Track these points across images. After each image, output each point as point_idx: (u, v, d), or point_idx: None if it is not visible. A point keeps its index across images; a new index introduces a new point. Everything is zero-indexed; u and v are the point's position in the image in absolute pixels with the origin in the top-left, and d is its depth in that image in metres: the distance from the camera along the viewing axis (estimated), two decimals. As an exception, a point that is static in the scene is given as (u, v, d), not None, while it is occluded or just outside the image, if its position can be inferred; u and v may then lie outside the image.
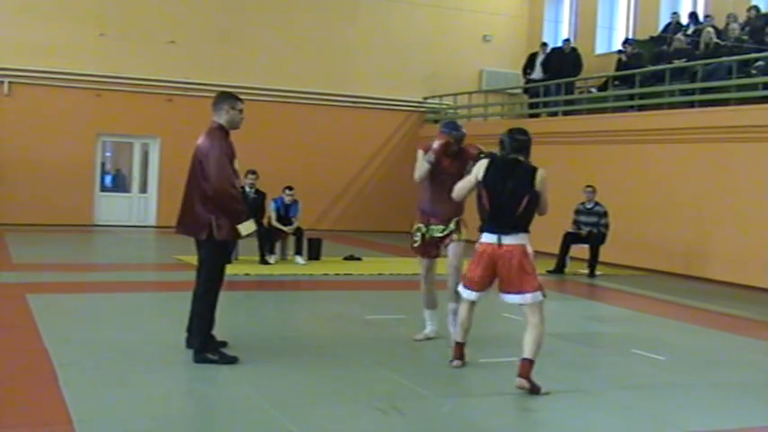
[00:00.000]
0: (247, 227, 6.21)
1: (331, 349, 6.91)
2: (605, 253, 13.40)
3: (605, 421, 5.34)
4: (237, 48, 19.32)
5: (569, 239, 13.39)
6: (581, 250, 13.38)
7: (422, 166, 7.13)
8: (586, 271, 13.15)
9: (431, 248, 7.28)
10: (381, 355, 6.78)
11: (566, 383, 6.27)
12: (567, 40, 19.53)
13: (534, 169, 5.94)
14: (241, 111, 6.40)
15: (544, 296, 5.87)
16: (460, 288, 6.28)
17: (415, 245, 7.30)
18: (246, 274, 11.28)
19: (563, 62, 18.74)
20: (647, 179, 14.57)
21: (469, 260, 6.28)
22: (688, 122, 13.85)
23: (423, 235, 7.23)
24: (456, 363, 6.35)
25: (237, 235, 6.22)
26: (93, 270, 11.94)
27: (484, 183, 5.98)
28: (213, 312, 6.33)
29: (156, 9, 18.86)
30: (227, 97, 6.45)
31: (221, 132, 6.28)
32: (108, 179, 19.52)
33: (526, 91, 19.60)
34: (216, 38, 19.28)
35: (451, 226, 7.12)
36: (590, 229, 13.25)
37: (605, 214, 13.26)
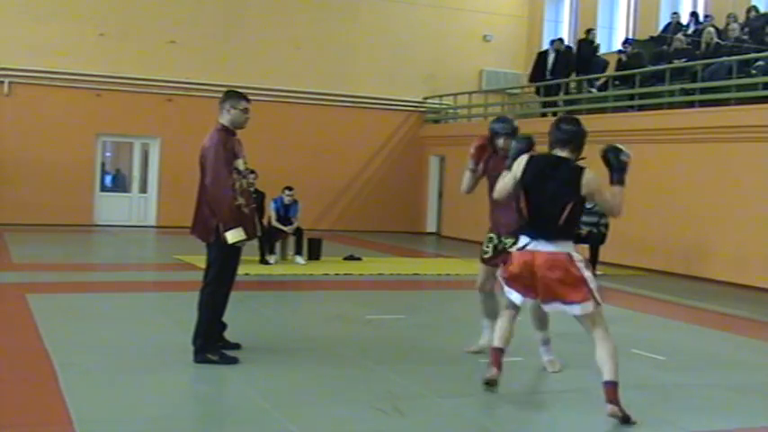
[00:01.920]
0: (234, 235, 6.01)
1: (331, 349, 6.91)
2: (605, 253, 13.40)
3: (605, 421, 5.34)
4: (237, 48, 19.33)
5: (569, 239, 13.36)
6: (581, 250, 13.35)
7: (465, 174, 6.59)
8: (586, 271, 13.13)
9: (498, 259, 6.45)
10: (381, 355, 6.77)
11: (566, 383, 6.27)
12: (560, 40, 19.55)
13: (581, 170, 5.16)
14: (245, 110, 6.28)
15: (598, 304, 5.24)
16: (503, 284, 5.50)
17: (486, 255, 6.70)
18: (246, 274, 11.27)
19: (569, 61, 18.80)
20: (647, 179, 14.56)
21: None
22: (688, 122, 13.85)
23: (495, 246, 6.61)
24: (493, 372, 5.39)
25: (225, 241, 6.03)
26: (93, 270, 11.95)
27: (522, 183, 5.26)
28: (219, 314, 6.31)
29: (156, 9, 18.87)
30: (229, 96, 6.37)
31: (222, 134, 6.19)
32: (108, 179, 19.53)
33: (538, 91, 19.43)
34: (216, 38, 19.29)
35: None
36: (590, 229, 13.24)
37: (605, 214, 13.24)
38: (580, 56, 18.52)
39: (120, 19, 18.57)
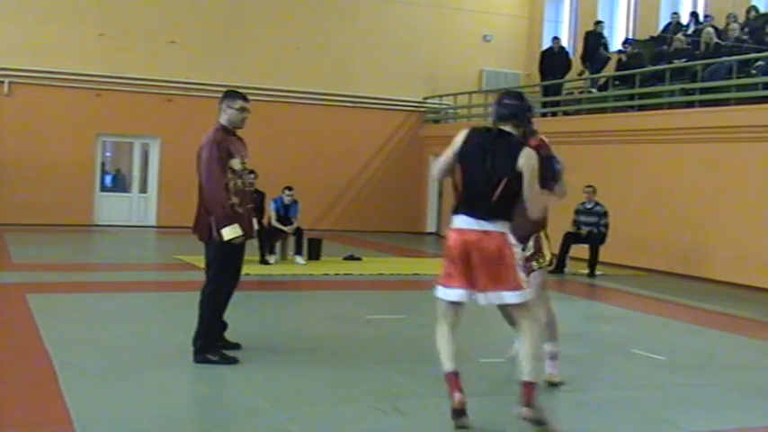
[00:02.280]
0: (228, 232, 5.99)
1: (331, 349, 6.91)
2: (605, 253, 13.40)
3: (605, 421, 5.34)
4: (237, 48, 19.33)
5: (569, 239, 13.39)
6: (581, 250, 13.38)
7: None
8: (586, 271, 13.15)
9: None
10: (381, 355, 6.77)
11: (565, 383, 6.27)
12: (555, 38, 19.58)
13: (521, 145, 4.82)
14: (241, 109, 6.25)
15: (527, 298, 4.87)
16: (437, 288, 4.96)
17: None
18: (246, 274, 11.17)
19: (553, 61, 18.85)
20: (648, 179, 14.58)
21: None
22: (688, 122, 13.86)
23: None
24: (459, 397, 4.85)
25: (221, 239, 6.02)
26: (93, 270, 11.95)
27: (459, 156, 4.88)
28: (219, 314, 6.30)
29: (156, 9, 18.87)
30: (227, 96, 6.37)
31: (219, 133, 6.18)
32: (108, 179, 19.53)
33: (545, 91, 19.40)
34: (216, 38, 19.29)
35: (530, 247, 5.92)
36: (590, 229, 13.25)
37: (605, 214, 13.26)
38: (585, 48, 18.39)
39: (120, 19, 18.58)
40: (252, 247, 12.20)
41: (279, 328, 7.96)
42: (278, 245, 13.00)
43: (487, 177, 4.76)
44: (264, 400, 5.24)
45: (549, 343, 6.06)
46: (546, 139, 5.77)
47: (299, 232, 13.02)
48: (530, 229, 5.82)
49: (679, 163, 14.03)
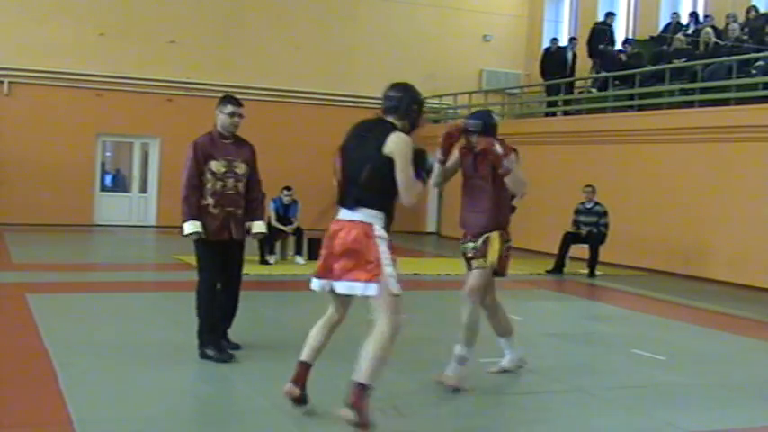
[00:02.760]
0: (187, 227, 6.22)
1: (331, 349, 6.88)
2: (605, 253, 13.40)
3: (605, 421, 5.34)
4: (237, 48, 19.33)
5: (569, 239, 13.39)
6: (581, 250, 13.38)
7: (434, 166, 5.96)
8: (586, 271, 13.15)
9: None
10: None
11: (565, 383, 6.27)
12: (554, 39, 19.58)
13: (391, 131, 4.65)
14: (231, 114, 6.35)
15: (386, 293, 4.54)
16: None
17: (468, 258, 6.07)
18: (246, 274, 11.22)
19: (552, 61, 18.85)
20: (647, 179, 14.58)
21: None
22: (688, 122, 13.86)
23: (464, 253, 6.08)
24: (288, 387, 4.91)
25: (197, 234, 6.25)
26: (93, 270, 11.95)
27: (340, 147, 4.84)
28: (206, 310, 6.36)
29: (156, 9, 18.87)
30: (219, 101, 6.51)
31: (204, 136, 6.40)
32: (108, 179, 19.53)
33: (548, 90, 19.36)
34: (216, 38, 19.30)
35: (478, 245, 5.89)
36: (590, 229, 13.25)
37: (605, 214, 13.26)
38: (591, 42, 18.22)
39: (120, 19, 18.58)
40: (251, 247, 12.23)
41: (279, 328, 7.96)
42: (278, 245, 13.00)
43: (356, 165, 4.64)
44: (265, 399, 5.24)
45: (462, 346, 5.80)
46: (496, 146, 5.68)
47: (299, 232, 13.01)
48: (482, 227, 5.86)
49: (679, 163, 14.03)
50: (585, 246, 13.26)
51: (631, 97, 16.10)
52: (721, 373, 6.95)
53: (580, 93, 18.57)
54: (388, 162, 4.54)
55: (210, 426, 4.87)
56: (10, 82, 17.71)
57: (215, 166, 6.28)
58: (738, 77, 13.70)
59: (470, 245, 5.93)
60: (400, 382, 5.93)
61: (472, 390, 5.89)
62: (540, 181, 17.05)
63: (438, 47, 21.33)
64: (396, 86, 4.87)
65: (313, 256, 13.21)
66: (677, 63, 15.35)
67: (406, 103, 4.77)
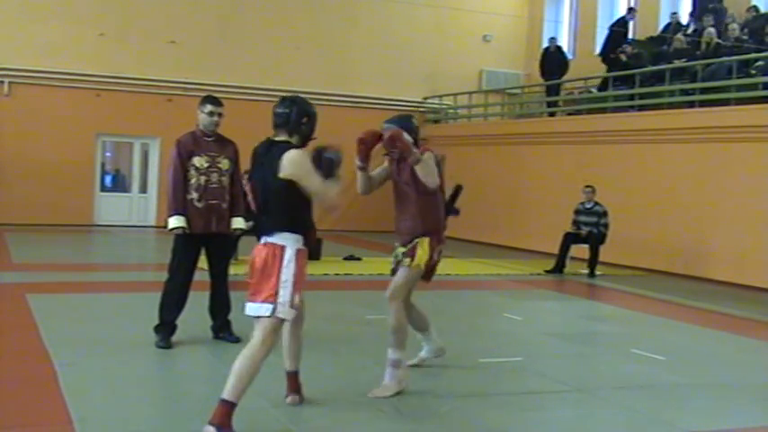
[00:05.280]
0: (172, 222, 6.60)
1: (331, 349, 6.91)
2: (605, 253, 13.40)
3: (605, 421, 5.34)
4: (237, 48, 19.32)
5: (569, 239, 13.39)
6: (581, 250, 13.39)
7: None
8: (586, 271, 13.15)
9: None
10: (381, 356, 6.76)
11: (565, 383, 6.28)
12: (552, 39, 19.58)
13: (283, 152, 4.55)
14: (210, 113, 6.65)
15: (274, 314, 4.48)
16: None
17: (392, 267, 6.01)
18: (246, 274, 11.27)
19: (550, 62, 18.84)
20: (647, 179, 14.58)
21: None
22: (688, 122, 13.86)
23: (396, 256, 5.96)
24: (290, 399, 5.14)
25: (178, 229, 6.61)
26: (93, 270, 11.95)
27: (250, 173, 4.82)
28: (169, 301, 6.66)
29: (156, 9, 18.86)
30: (200, 100, 6.80)
31: (186, 135, 6.73)
32: (108, 179, 19.52)
33: (548, 90, 19.29)
34: (215, 38, 19.28)
35: (408, 247, 5.78)
36: (590, 229, 13.25)
37: (605, 214, 13.26)
38: (606, 46, 17.95)
39: (119, 19, 18.57)
40: (252, 246, 12.24)
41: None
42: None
43: (261, 194, 4.64)
44: (265, 399, 5.24)
45: (394, 350, 5.65)
46: (404, 135, 5.58)
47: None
48: (410, 233, 5.74)
49: (679, 163, 14.03)
50: (585, 246, 13.26)
51: (631, 97, 16.10)
52: (721, 373, 6.96)
53: (580, 93, 18.56)
54: (289, 183, 4.50)
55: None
56: (10, 82, 17.69)
57: (198, 161, 6.62)
58: (738, 77, 13.70)
59: (400, 250, 5.82)
60: (400, 382, 5.94)
61: (472, 390, 5.90)
62: (540, 181, 17.09)
63: (438, 47, 21.32)
64: (283, 101, 4.73)
65: (313, 255, 13.19)
66: (677, 63, 15.36)
67: (294, 117, 4.66)
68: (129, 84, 18.42)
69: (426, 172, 5.64)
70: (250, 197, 4.87)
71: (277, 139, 4.67)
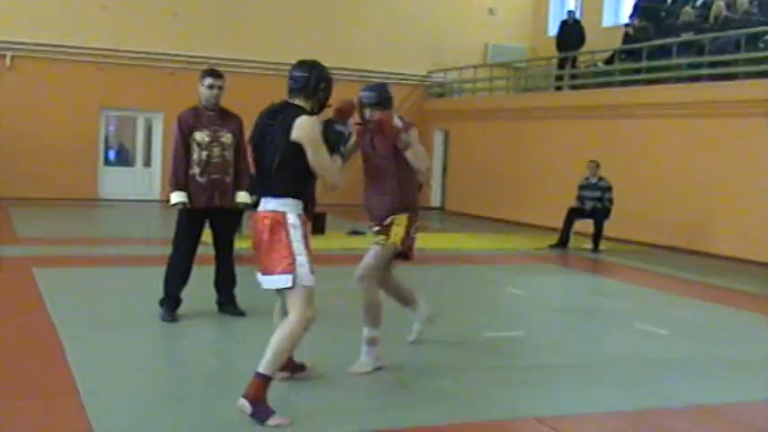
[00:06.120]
0: (173, 197, 6.66)
1: (335, 323, 6.92)
2: (609, 228, 13.39)
3: (608, 395, 5.37)
4: (240, 21, 19.21)
5: (573, 214, 13.38)
6: (585, 225, 13.38)
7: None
8: (590, 246, 13.15)
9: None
10: (385, 329, 6.79)
11: (568, 357, 6.30)
12: (571, 12, 19.40)
13: (297, 115, 4.47)
14: (210, 86, 6.62)
15: (298, 284, 4.36)
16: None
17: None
18: (249, 249, 11.29)
19: (567, 35, 18.63)
20: (653, 153, 14.53)
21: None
22: (695, 96, 13.78)
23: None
24: (281, 375, 4.93)
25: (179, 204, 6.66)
26: (99, 244, 11.97)
27: (251, 136, 4.72)
28: (173, 274, 6.67)
29: (158, -18, 18.75)
30: (200, 74, 6.78)
31: (187, 111, 6.74)
32: (112, 153, 19.51)
33: (562, 64, 19.10)
34: (219, 11, 19.17)
35: (385, 224, 5.53)
36: (594, 204, 13.24)
37: (609, 189, 13.23)
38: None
39: (122, -9, 18.48)
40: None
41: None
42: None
43: (267, 154, 4.49)
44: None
45: (369, 328, 5.47)
46: (394, 119, 5.38)
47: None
48: (387, 210, 5.48)
49: (685, 137, 13.98)
50: (590, 221, 13.25)
51: (638, 71, 15.99)
52: (724, 347, 6.97)
53: (586, 67, 18.46)
54: (297, 148, 4.39)
55: (214, 397, 4.89)
56: (12, 55, 17.64)
57: (199, 136, 6.60)
58: (747, 51, 13.61)
59: (376, 228, 5.58)
60: (405, 356, 5.97)
61: (475, 364, 5.92)
62: (545, 155, 17.05)
63: (443, 20, 21.19)
64: (302, 65, 4.63)
65: (317, 230, 13.24)
66: (685, 37, 15.24)
67: (313, 83, 4.56)
68: (132, 57, 18.35)
69: (417, 156, 5.45)
70: (251, 158, 4.76)
71: (291, 101, 4.57)
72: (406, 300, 6.10)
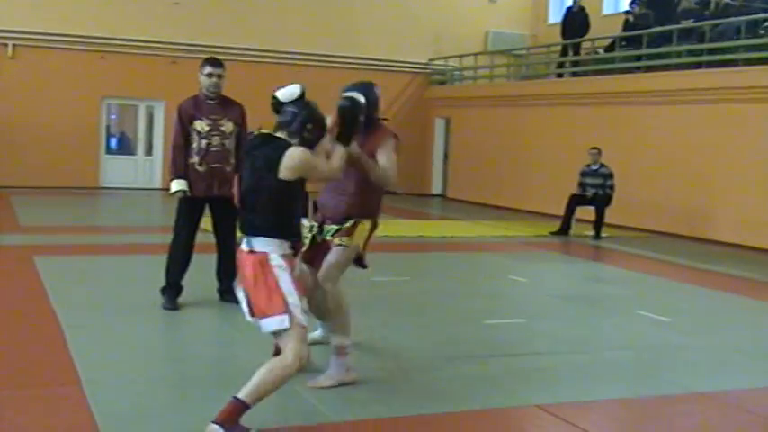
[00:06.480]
0: (173, 186, 6.68)
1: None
2: (610, 214, 13.40)
3: (609, 382, 5.38)
4: (241, 9, 19.17)
5: (575, 201, 13.39)
6: (586, 212, 13.38)
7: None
8: (591, 233, 13.16)
9: (320, 255, 5.19)
10: (387, 317, 6.81)
11: (570, 344, 6.31)
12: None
13: (282, 150, 4.17)
14: (209, 75, 6.59)
15: (294, 324, 4.08)
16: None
17: (303, 249, 5.08)
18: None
19: (572, 22, 18.56)
20: (654, 140, 14.53)
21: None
22: (695, 83, 13.76)
23: (314, 236, 5.24)
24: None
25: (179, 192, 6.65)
26: (100, 232, 11.99)
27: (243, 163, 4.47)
28: (173, 263, 6.69)
29: (159, -30, 18.71)
30: (201, 63, 6.74)
31: (188, 100, 6.69)
32: (113, 142, 19.51)
33: (564, 51, 18.99)
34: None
35: (346, 226, 5.11)
36: (595, 191, 13.24)
37: (611, 176, 13.23)
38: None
39: (123, -20, 18.43)
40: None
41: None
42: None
43: (249, 191, 4.27)
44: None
45: (337, 336, 5.05)
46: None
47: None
48: (345, 213, 5.10)
49: (685, 124, 13.97)
50: (591, 208, 13.25)
51: (638, 58, 15.97)
52: (726, 334, 6.98)
53: (587, 54, 18.42)
54: (286, 186, 4.17)
55: (218, 388, 4.91)
56: (14, 44, 17.62)
57: (199, 125, 6.59)
58: (747, 38, 13.58)
59: (333, 227, 5.13)
60: (407, 344, 5.98)
61: (477, 351, 5.94)
62: (546, 142, 17.03)
63: (444, 8, 21.14)
64: (295, 102, 4.38)
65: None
66: (685, 24, 15.20)
67: (299, 122, 4.26)
68: (134, 46, 18.33)
69: (384, 178, 5.05)
70: (235, 190, 4.59)
71: (277, 135, 4.29)
72: (324, 313, 5.39)
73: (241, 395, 4.00)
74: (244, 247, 4.23)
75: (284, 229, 4.23)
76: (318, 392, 4.74)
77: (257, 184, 4.22)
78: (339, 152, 4.58)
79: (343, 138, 4.65)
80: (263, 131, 4.34)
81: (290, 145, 4.19)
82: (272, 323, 4.11)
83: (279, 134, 4.28)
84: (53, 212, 13.95)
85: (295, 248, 4.33)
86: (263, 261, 4.13)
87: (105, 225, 13.24)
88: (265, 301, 4.11)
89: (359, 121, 4.77)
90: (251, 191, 4.25)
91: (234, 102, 6.76)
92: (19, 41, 17.64)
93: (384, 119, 5.25)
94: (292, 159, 4.13)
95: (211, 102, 6.63)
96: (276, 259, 4.13)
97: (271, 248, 4.15)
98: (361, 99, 4.94)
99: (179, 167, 6.68)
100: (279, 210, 4.21)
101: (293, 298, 4.12)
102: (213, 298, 6.95)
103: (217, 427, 3.92)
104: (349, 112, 4.70)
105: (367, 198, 5.14)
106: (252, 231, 4.20)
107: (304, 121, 4.27)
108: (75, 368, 4.96)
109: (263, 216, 4.18)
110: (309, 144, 4.29)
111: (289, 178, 4.15)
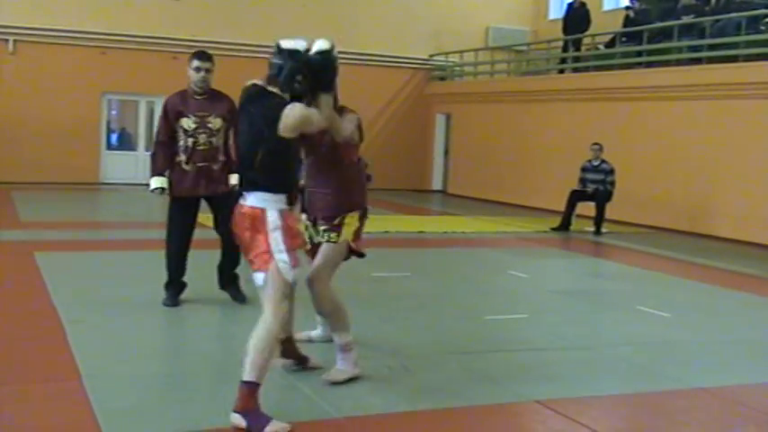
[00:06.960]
0: (152, 183, 6.46)
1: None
2: (611, 210, 13.40)
3: (609, 377, 5.38)
4: (242, 5, 19.15)
5: (575, 197, 13.39)
6: (587, 208, 13.38)
7: None
8: (592, 228, 13.16)
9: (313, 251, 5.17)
10: (388, 313, 6.81)
11: (570, 340, 6.31)
12: None
13: (280, 107, 4.14)
14: (196, 69, 6.43)
15: (272, 280, 4.13)
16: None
17: (308, 247, 5.15)
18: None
19: (574, 18, 18.52)
20: (654, 136, 14.52)
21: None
22: (696, 79, 13.75)
23: (310, 235, 5.17)
24: (282, 363, 4.96)
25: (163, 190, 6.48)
26: (100, 228, 11.99)
27: (238, 117, 4.46)
28: (170, 262, 6.62)
29: (160, -35, 18.69)
30: (189, 57, 6.61)
31: (174, 95, 6.52)
32: (114, 137, 19.50)
33: (565, 47, 18.94)
34: (220, -6, 19.12)
35: (334, 223, 4.99)
36: (596, 187, 13.24)
37: (611, 172, 13.23)
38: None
39: (123, -24, 18.42)
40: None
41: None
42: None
43: (247, 147, 4.24)
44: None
45: (339, 334, 4.98)
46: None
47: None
48: (334, 208, 4.99)
49: (686, 120, 13.96)
50: (592, 203, 13.25)
51: (639, 54, 15.95)
52: (726, 330, 6.99)
53: (587, 50, 18.40)
54: (285, 141, 4.13)
55: (216, 382, 4.92)
56: (15, 40, 17.61)
57: (185, 122, 6.42)
58: (747, 34, 13.56)
59: (323, 227, 5.02)
60: (407, 340, 5.99)
61: (478, 347, 5.94)
62: (547, 138, 17.03)
63: (444, 3, 21.12)
64: (280, 52, 4.25)
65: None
66: (685, 19, 15.19)
67: (286, 75, 4.17)
68: (135, 42, 18.32)
69: (346, 133, 4.82)
70: (233, 144, 4.57)
71: (271, 89, 4.24)
72: (323, 315, 5.31)
73: (246, 377, 4.02)
74: (240, 202, 4.27)
75: (281, 185, 4.22)
76: (318, 388, 4.75)
77: (256, 142, 4.19)
78: (324, 100, 4.41)
79: (325, 85, 4.43)
80: (257, 82, 4.31)
81: (286, 103, 4.16)
82: (258, 278, 4.21)
83: (271, 88, 4.24)
84: (54, 208, 13.95)
85: (291, 200, 4.33)
86: (258, 216, 4.17)
87: (106, 221, 13.24)
88: (255, 256, 4.19)
89: (332, 65, 4.48)
90: (250, 148, 4.23)
91: (222, 95, 6.53)
92: (20, 37, 17.63)
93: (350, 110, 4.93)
94: (290, 118, 4.11)
95: (199, 97, 6.45)
96: (272, 215, 4.16)
97: (267, 204, 4.17)
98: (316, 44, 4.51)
99: (159, 165, 6.47)
100: (277, 167, 4.20)
101: (282, 254, 4.15)
102: (215, 295, 6.93)
103: (238, 416, 3.96)
104: (319, 65, 4.40)
105: (350, 189, 5.07)
106: (248, 187, 4.23)
107: (291, 75, 4.20)
108: (76, 363, 4.97)
109: (261, 173, 4.18)
110: (302, 94, 4.26)
111: (289, 136, 4.15)
